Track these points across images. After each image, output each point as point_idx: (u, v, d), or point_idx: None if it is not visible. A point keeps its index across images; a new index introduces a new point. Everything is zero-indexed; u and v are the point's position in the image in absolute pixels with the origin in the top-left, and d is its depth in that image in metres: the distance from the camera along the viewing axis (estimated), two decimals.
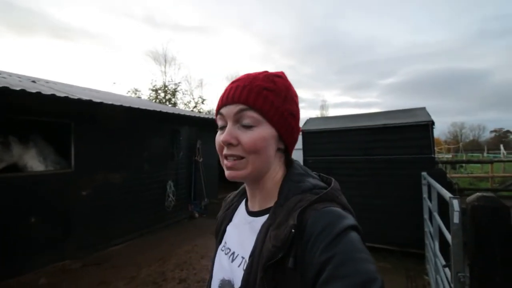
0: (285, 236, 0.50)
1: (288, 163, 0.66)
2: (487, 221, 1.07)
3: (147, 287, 3.45)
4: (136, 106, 4.63)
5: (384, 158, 4.30)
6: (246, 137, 0.57)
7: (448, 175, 5.27)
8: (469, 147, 39.22)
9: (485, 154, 23.04)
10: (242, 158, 0.58)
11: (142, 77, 47.21)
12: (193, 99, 19.43)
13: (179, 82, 18.62)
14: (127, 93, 16.18)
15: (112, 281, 3.57)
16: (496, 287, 1.03)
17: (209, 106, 19.32)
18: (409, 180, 4.01)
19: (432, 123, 4.02)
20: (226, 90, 0.62)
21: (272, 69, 0.65)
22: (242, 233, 0.65)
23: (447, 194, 1.74)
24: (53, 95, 3.37)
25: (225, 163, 0.60)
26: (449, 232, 1.63)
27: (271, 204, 0.60)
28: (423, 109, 4.76)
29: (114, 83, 31.70)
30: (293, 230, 0.50)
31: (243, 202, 0.72)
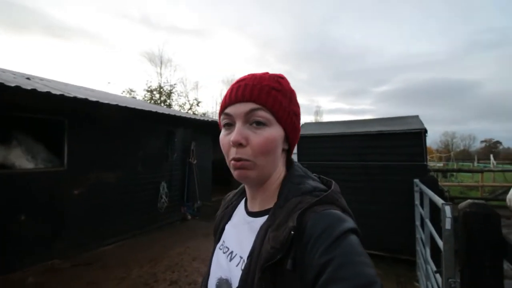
0: (284, 237, 0.50)
1: (289, 164, 0.66)
2: (479, 227, 1.10)
3: None
4: (132, 106, 4.60)
5: (379, 164, 4.34)
6: (257, 137, 0.56)
7: (439, 183, 5.34)
8: (460, 156, 39.84)
9: (475, 164, 23.41)
10: (249, 161, 0.57)
11: (137, 77, 46.90)
12: (188, 101, 19.43)
13: (175, 84, 18.60)
14: (122, 93, 16.09)
15: (101, 282, 3.51)
16: None
17: (204, 108, 19.36)
18: (402, 187, 4.05)
19: (425, 131, 4.08)
20: (232, 88, 0.60)
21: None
22: (241, 233, 0.65)
23: (439, 201, 1.77)
24: (48, 93, 3.33)
25: (232, 163, 0.58)
26: (441, 238, 1.66)
27: (271, 205, 0.60)
28: (416, 117, 4.84)
29: (109, 82, 31.64)
30: (292, 232, 0.50)
31: (243, 202, 0.72)
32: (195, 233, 5.63)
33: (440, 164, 20.94)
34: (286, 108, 0.60)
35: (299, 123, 0.65)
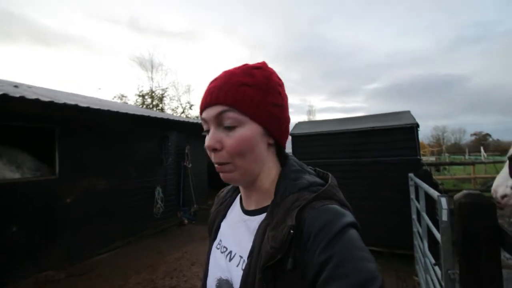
0: (283, 237, 0.49)
1: (283, 158, 0.64)
2: (475, 217, 1.10)
3: None
4: (124, 111, 4.55)
5: (372, 160, 4.37)
6: (229, 140, 0.55)
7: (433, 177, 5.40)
8: (452, 150, 40.45)
9: (466, 157, 23.77)
10: (228, 163, 0.56)
11: (128, 83, 46.55)
12: (181, 104, 19.34)
13: (166, 88, 18.51)
14: (113, 98, 15.94)
15: None
16: (482, 278, 1.06)
17: (197, 111, 19.24)
18: (396, 182, 4.08)
19: (417, 125, 4.13)
20: (205, 92, 0.59)
21: None
22: (237, 232, 0.64)
23: (435, 193, 1.79)
24: (37, 100, 3.28)
25: (216, 167, 0.59)
26: (438, 231, 1.67)
27: (267, 202, 0.59)
28: (408, 112, 4.88)
29: (99, 88, 31.28)
30: (291, 231, 0.49)
31: (238, 199, 0.70)
32: (193, 238, 5.58)
33: (433, 158, 21.20)
34: (261, 102, 0.56)
35: (282, 111, 0.60)
